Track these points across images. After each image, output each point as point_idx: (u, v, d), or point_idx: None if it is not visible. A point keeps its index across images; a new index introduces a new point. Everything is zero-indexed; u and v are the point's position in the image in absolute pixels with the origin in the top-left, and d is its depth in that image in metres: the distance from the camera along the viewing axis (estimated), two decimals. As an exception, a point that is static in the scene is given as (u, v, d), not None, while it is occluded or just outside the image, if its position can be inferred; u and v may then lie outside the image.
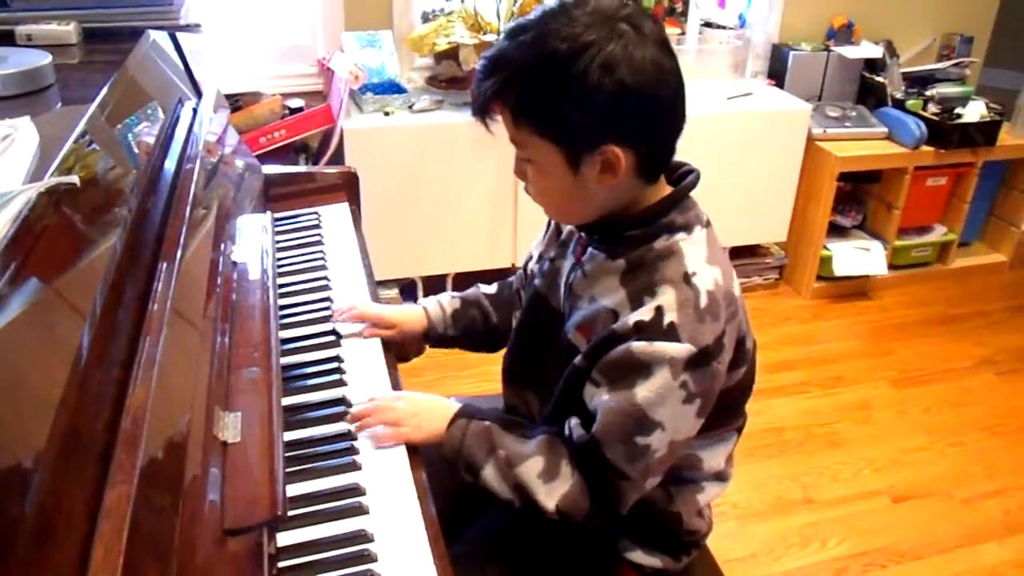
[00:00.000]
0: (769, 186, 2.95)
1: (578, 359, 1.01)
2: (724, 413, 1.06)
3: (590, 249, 1.04)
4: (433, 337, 1.32)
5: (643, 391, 0.92)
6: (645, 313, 0.93)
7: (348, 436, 1.06)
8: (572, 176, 0.94)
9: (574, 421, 1.00)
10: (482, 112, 0.97)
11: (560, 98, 0.90)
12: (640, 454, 0.95)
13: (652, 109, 0.92)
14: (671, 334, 0.92)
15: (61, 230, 0.83)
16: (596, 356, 0.97)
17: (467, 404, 1.10)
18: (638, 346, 0.93)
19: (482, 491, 1.06)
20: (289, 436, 1.04)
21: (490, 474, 1.02)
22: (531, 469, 1.00)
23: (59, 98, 1.16)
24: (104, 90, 1.13)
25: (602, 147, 0.91)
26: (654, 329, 0.92)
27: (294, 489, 0.96)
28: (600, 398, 0.96)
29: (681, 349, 0.91)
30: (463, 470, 1.05)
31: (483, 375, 2.50)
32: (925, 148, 2.89)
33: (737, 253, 3.05)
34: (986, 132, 2.93)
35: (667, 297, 0.93)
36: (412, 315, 1.30)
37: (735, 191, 2.86)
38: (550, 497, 0.99)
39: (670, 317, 0.92)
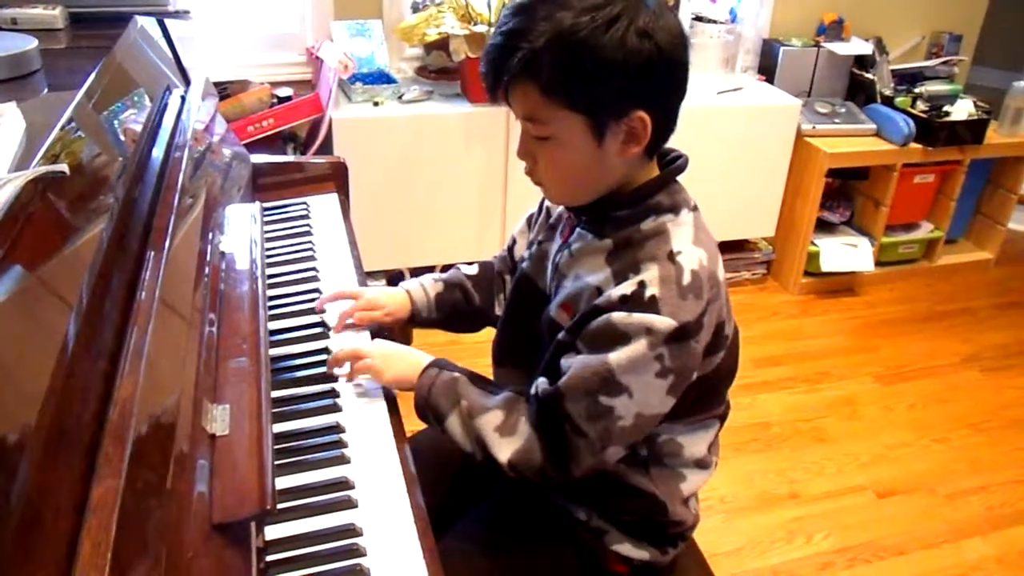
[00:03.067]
0: (758, 181, 2.95)
1: (562, 334, 1.01)
2: (704, 399, 1.07)
3: (578, 230, 1.05)
4: (417, 321, 1.33)
5: (617, 355, 0.93)
6: (628, 287, 0.94)
7: (337, 429, 1.05)
8: (594, 148, 0.95)
9: (541, 379, 1.02)
10: (505, 91, 0.96)
11: (596, 67, 0.90)
12: (601, 414, 0.95)
13: (679, 72, 0.96)
14: (652, 307, 0.93)
15: (47, 219, 0.82)
16: (578, 330, 0.98)
17: (441, 358, 1.12)
18: (618, 316, 0.93)
19: (470, 481, 1.07)
20: (278, 428, 1.03)
21: (453, 423, 1.05)
22: (489, 422, 1.02)
23: (45, 84, 1.15)
24: (91, 76, 1.11)
25: (631, 113, 0.93)
26: (635, 301, 0.93)
27: (283, 482, 0.95)
28: (575, 358, 0.97)
29: (662, 322, 0.92)
30: (431, 419, 1.08)
31: (473, 365, 2.50)
32: (913, 145, 2.90)
33: (725, 247, 3.04)
34: (974, 130, 2.94)
35: (650, 273, 0.94)
36: (397, 299, 1.31)
37: (724, 185, 2.86)
38: (504, 451, 1.00)
39: (652, 291, 0.93)
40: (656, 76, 0.92)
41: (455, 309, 1.32)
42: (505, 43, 0.93)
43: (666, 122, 0.97)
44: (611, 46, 0.88)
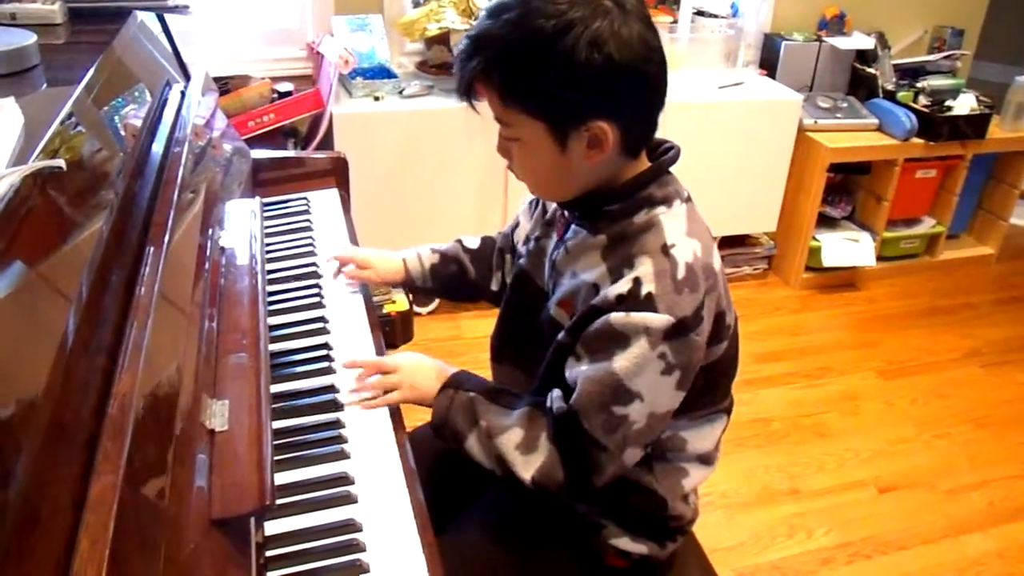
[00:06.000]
0: (759, 176, 2.94)
1: (561, 335, 1.01)
2: (708, 392, 1.07)
3: (572, 226, 1.05)
4: (411, 288, 1.37)
5: (620, 360, 0.93)
6: (623, 285, 0.94)
7: (337, 424, 1.05)
8: (559, 153, 0.95)
9: (556, 393, 1.01)
10: (467, 92, 0.97)
11: (547, 76, 0.90)
12: (617, 424, 0.95)
13: (639, 84, 0.93)
14: (648, 304, 0.92)
15: (46, 214, 0.82)
16: (578, 331, 0.98)
17: (459, 372, 1.12)
18: (616, 317, 0.93)
19: (469, 477, 1.08)
20: (277, 424, 1.03)
21: (473, 444, 1.04)
22: (510, 441, 1.01)
23: (44, 79, 1.14)
24: (90, 71, 1.11)
25: (589, 123, 0.92)
26: (632, 300, 0.93)
27: (282, 477, 0.95)
28: (579, 369, 0.97)
29: (659, 319, 0.92)
30: (449, 439, 1.07)
31: (472, 362, 2.49)
32: (915, 140, 2.90)
33: (727, 243, 3.05)
34: (976, 125, 2.93)
35: (645, 268, 0.94)
36: (391, 264, 1.35)
37: (725, 181, 2.86)
38: (526, 469, 1.00)
39: (647, 288, 0.93)
40: (611, 87, 0.91)
41: (450, 280, 1.34)
42: (468, 47, 0.94)
43: (636, 130, 0.97)
44: (562, 56, 0.88)
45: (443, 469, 1.22)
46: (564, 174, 0.98)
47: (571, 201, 1.03)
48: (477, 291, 1.35)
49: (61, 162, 0.81)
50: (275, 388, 1.09)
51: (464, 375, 1.11)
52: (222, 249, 1.19)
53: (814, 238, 3.03)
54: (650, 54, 0.92)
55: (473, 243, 1.35)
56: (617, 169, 0.99)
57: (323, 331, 1.24)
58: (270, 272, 1.37)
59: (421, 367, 1.13)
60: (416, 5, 2.68)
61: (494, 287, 1.33)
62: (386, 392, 1.11)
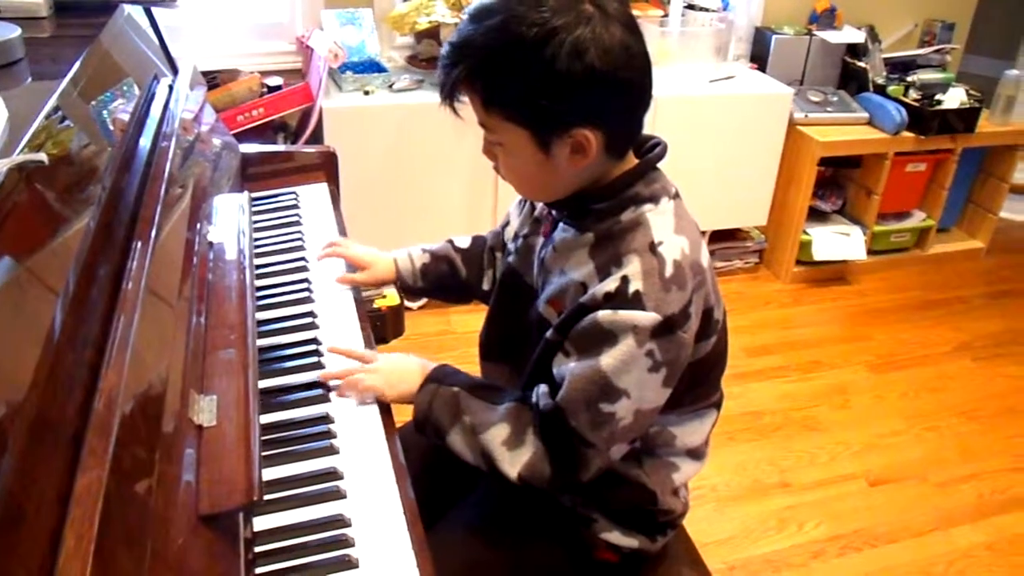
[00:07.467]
0: (750, 170, 2.95)
1: (550, 333, 1.01)
2: (697, 387, 1.07)
3: (560, 224, 1.05)
4: (403, 288, 1.36)
5: (608, 358, 0.93)
6: (611, 283, 0.94)
7: (326, 419, 1.05)
8: (543, 158, 0.95)
9: (542, 389, 1.01)
10: (450, 98, 0.97)
11: (529, 84, 0.89)
12: (604, 421, 0.95)
13: (621, 91, 0.92)
14: (636, 303, 0.92)
15: (32, 208, 0.81)
16: (566, 328, 0.98)
17: (441, 367, 1.11)
18: (604, 315, 0.93)
19: (459, 472, 1.08)
20: (266, 419, 1.03)
21: (455, 439, 1.04)
22: (496, 437, 1.01)
23: (29, 73, 1.14)
24: (76, 65, 1.10)
25: (572, 130, 0.92)
26: (620, 298, 0.93)
27: (271, 473, 0.95)
28: (567, 366, 0.97)
29: (646, 317, 0.92)
30: (431, 434, 1.06)
31: (462, 357, 2.49)
32: (905, 134, 2.91)
33: (717, 237, 3.06)
34: (966, 119, 2.94)
35: (632, 267, 0.94)
36: (384, 263, 1.34)
37: (716, 175, 2.86)
38: (513, 465, 1.00)
39: (635, 286, 0.93)
40: (592, 96, 0.90)
41: (440, 280, 1.33)
42: (450, 53, 0.94)
43: (620, 134, 0.96)
44: (544, 66, 0.87)
45: (433, 465, 1.21)
46: (549, 177, 0.98)
47: (558, 201, 1.03)
48: (468, 290, 1.34)
49: (43, 156, 0.81)
50: (263, 383, 1.08)
51: (446, 370, 1.10)
52: (210, 244, 1.19)
53: (805, 232, 3.04)
54: (631, 60, 0.91)
55: (464, 242, 1.34)
56: (603, 169, 0.99)
57: (312, 326, 1.24)
58: (259, 267, 1.36)
59: (402, 367, 1.11)
60: (406, -1, 2.67)
61: (485, 286, 1.32)
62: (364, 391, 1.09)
